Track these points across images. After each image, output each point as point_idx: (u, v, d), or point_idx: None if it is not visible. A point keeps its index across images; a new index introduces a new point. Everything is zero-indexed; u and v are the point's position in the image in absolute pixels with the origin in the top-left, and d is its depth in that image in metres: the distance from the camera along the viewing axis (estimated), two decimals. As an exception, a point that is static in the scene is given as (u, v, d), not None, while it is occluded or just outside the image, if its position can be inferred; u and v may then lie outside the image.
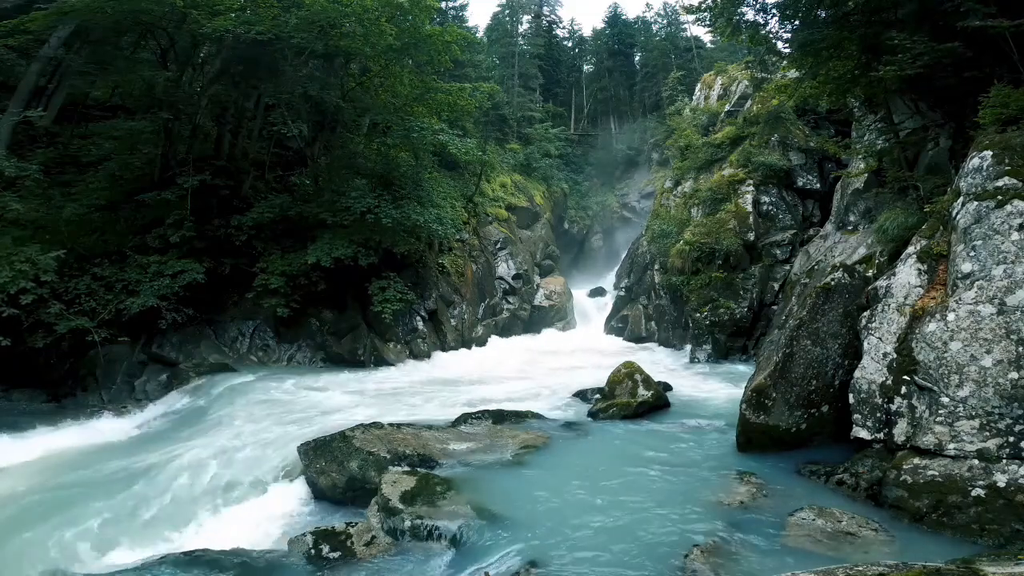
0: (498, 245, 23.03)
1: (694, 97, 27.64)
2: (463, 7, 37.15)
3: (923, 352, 5.95)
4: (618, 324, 21.46)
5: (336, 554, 5.45)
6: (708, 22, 12.12)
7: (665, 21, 46.51)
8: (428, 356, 16.03)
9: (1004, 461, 5.24)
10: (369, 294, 14.51)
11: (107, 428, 9.97)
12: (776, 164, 16.93)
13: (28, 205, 11.56)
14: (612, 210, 35.62)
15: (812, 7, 10.17)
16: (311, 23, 13.39)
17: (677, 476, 6.77)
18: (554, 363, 15.76)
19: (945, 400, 5.67)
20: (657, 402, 9.88)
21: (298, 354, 14.19)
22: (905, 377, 6.04)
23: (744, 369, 13.13)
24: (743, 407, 7.45)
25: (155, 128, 14.40)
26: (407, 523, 5.74)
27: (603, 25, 48.38)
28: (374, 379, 13.08)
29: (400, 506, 5.97)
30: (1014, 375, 5.36)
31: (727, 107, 22.56)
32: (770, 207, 16.78)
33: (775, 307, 15.34)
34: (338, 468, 7.07)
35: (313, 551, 5.50)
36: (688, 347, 16.18)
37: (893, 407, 6.07)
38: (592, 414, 9.77)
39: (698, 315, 15.73)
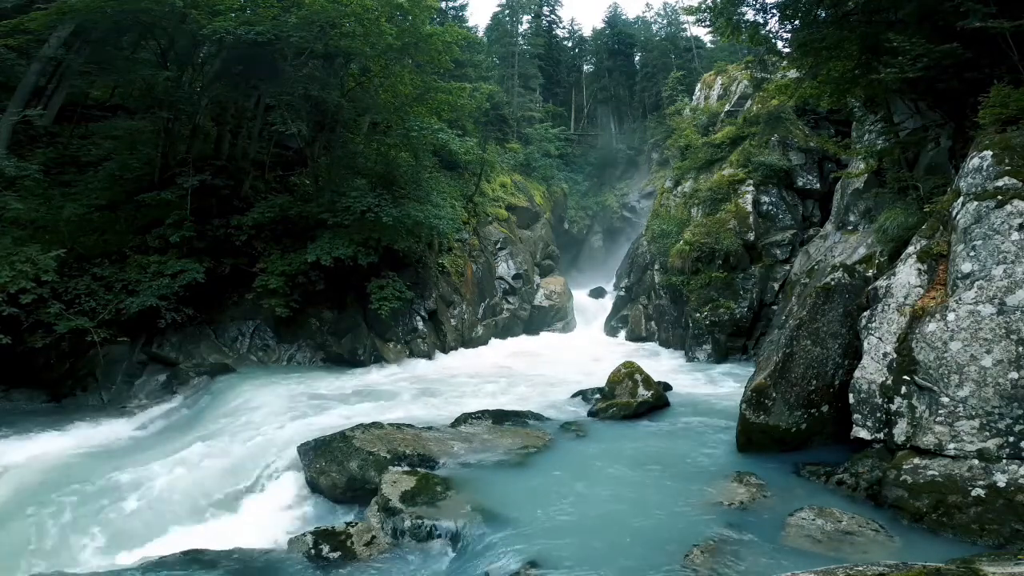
0: (498, 245, 23.01)
1: (694, 97, 27.64)
2: (463, 7, 37.09)
3: (923, 352, 5.95)
4: (618, 324, 21.46)
5: (336, 554, 5.46)
6: (708, 22, 12.12)
7: (665, 21, 46.59)
8: (428, 356, 16.01)
9: (1004, 461, 5.24)
10: (368, 293, 14.52)
11: (107, 428, 9.97)
12: (776, 164, 16.93)
13: (28, 205, 11.53)
14: (612, 210, 35.62)
15: (812, 7, 10.17)
16: (311, 23, 13.39)
17: (677, 476, 6.77)
18: (554, 363, 15.75)
19: (945, 400, 5.68)
20: (657, 402, 9.89)
21: (298, 354, 14.18)
22: (905, 377, 6.04)
23: (744, 369, 13.13)
24: (743, 407, 7.45)
25: (155, 128, 14.39)
26: (407, 523, 5.74)
27: (603, 25, 48.44)
28: (374, 379, 13.08)
29: (400, 506, 5.98)
30: (1014, 375, 5.36)
31: (727, 107, 22.55)
32: (770, 207, 16.77)
33: (775, 307, 15.34)
34: (338, 468, 7.07)
35: (313, 551, 5.51)
36: (688, 347, 16.18)
37: (893, 407, 6.07)
38: (592, 414, 9.78)
39: (698, 315, 15.73)
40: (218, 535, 6.25)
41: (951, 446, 5.54)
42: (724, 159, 18.90)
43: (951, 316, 5.84)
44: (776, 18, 11.27)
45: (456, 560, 5.32)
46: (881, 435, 6.17)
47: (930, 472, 5.53)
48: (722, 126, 21.19)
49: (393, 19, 14.68)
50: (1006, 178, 6.02)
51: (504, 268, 22.60)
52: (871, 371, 6.41)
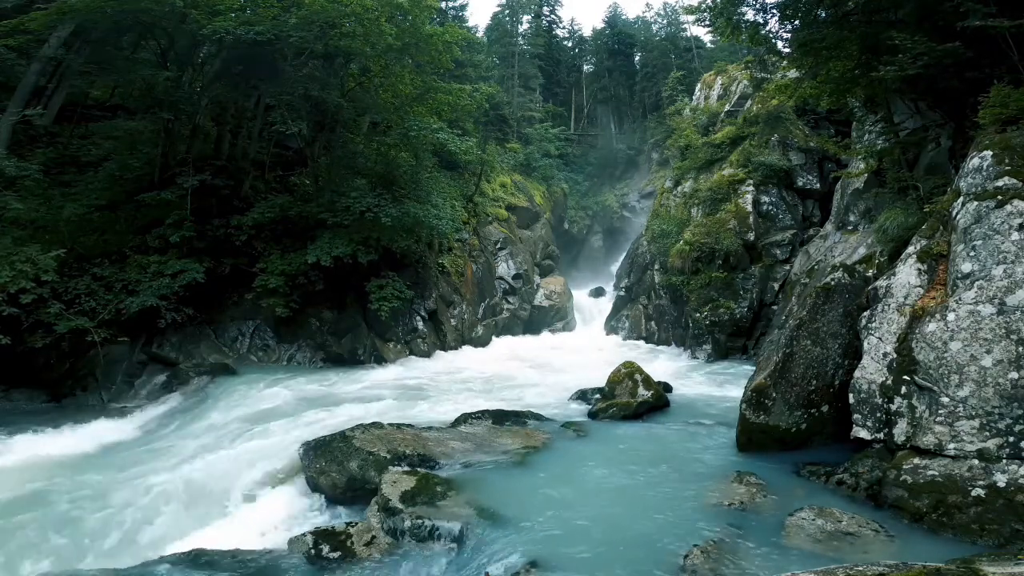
0: (498, 245, 23.01)
1: (694, 97, 27.64)
2: (463, 7, 37.07)
3: (923, 352, 5.95)
4: (618, 324, 21.46)
5: (336, 554, 5.45)
6: (708, 22, 12.14)
7: (665, 21, 46.60)
8: (428, 356, 16.02)
9: (1004, 461, 5.24)
10: (367, 293, 14.52)
11: (107, 428, 9.96)
12: (776, 164, 16.93)
13: (28, 205, 11.55)
14: (612, 210, 35.60)
15: (812, 7, 10.17)
16: (311, 23, 13.40)
17: (677, 476, 6.76)
18: (554, 363, 15.75)
19: (945, 400, 5.67)
20: (657, 402, 9.88)
21: (298, 354, 14.18)
22: (905, 377, 6.04)
23: (744, 369, 13.13)
24: (743, 407, 7.45)
25: (155, 128, 14.40)
26: (407, 523, 5.73)
27: (603, 25, 48.40)
28: (374, 379, 13.06)
29: (400, 506, 5.97)
30: (1014, 375, 5.36)
31: (727, 107, 22.55)
32: (770, 207, 16.78)
33: (775, 307, 15.34)
34: (338, 468, 7.06)
35: (313, 551, 5.50)
36: (688, 347, 16.17)
37: (893, 407, 6.07)
38: (592, 414, 9.78)
39: (698, 315, 15.73)
40: (218, 535, 6.24)
41: (951, 446, 5.54)
42: (724, 159, 18.90)
43: (951, 316, 5.84)
44: (776, 18, 11.29)
45: (456, 560, 5.31)
46: (881, 435, 6.17)
47: (930, 472, 5.52)
48: (722, 126, 21.20)
49: (393, 19, 14.69)
50: (1006, 178, 6.01)
51: (504, 268, 22.60)
52: (871, 371, 6.40)
